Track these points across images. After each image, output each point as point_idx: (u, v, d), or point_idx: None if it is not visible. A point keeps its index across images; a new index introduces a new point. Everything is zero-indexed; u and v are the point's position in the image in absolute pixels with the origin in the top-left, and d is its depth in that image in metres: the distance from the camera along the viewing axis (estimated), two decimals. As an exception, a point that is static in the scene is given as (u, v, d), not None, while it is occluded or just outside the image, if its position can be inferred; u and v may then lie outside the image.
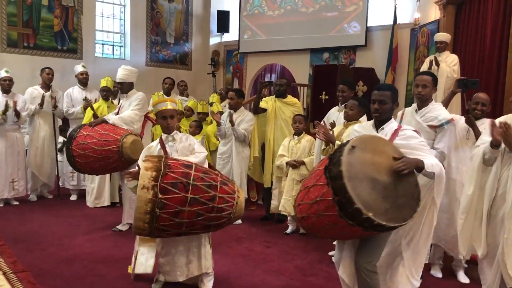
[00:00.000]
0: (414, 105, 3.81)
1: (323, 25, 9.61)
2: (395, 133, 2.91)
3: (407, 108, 3.91)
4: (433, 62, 6.15)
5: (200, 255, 3.48)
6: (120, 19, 10.73)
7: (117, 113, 5.26)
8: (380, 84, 2.92)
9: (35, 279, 3.69)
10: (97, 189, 6.13)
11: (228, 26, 11.42)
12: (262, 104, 5.74)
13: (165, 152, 3.47)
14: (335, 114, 4.96)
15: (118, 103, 6.32)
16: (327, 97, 7.83)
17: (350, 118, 4.38)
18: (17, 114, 5.86)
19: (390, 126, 2.97)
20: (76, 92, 6.61)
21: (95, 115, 5.96)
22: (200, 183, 3.05)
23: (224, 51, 11.76)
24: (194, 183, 3.02)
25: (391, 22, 8.42)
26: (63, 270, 3.92)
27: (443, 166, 3.31)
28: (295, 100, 5.86)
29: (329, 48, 9.59)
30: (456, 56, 6.37)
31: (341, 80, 5.17)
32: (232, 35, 11.50)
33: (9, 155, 5.96)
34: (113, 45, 10.70)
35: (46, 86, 6.47)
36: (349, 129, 4.08)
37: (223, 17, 11.41)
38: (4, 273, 3.81)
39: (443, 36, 6.46)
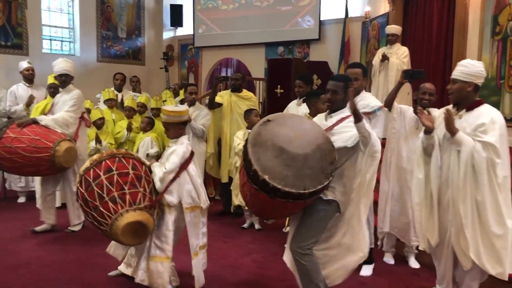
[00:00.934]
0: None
1: (278, 19, 9.62)
2: (341, 120, 3.00)
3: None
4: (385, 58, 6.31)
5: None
6: (68, 13, 10.33)
7: (51, 110, 4.97)
8: (337, 74, 2.98)
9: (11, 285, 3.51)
10: (47, 190, 5.89)
11: (182, 20, 11.24)
12: (218, 99, 5.69)
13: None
14: (294, 108, 4.98)
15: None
16: (282, 90, 7.85)
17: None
18: None
19: (340, 115, 3.05)
20: (21, 90, 6.32)
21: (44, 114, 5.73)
22: (97, 189, 3.19)
23: (179, 46, 11.57)
24: (92, 187, 3.20)
25: (343, 16, 8.53)
26: (8, 277, 3.73)
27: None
28: (251, 94, 5.84)
29: (284, 42, 9.62)
30: (406, 48, 6.53)
31: (298, 76, 5.18)
32: (186, 29, 11.32)
33: None
34: (62, 41, 10.30)
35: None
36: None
37: (176, 11, 11.21)
38: None
39: (394, 29, 6.61)
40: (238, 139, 5.21)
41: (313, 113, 4.29)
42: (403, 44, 7.16)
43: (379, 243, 4.34)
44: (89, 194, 3.20)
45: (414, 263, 4.20)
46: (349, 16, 8.48)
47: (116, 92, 6.92)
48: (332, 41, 8.98)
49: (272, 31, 9.71)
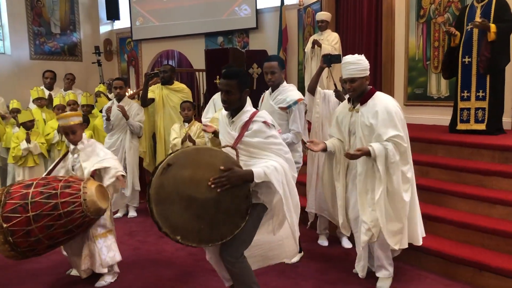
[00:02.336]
0: (270, 89, 3.88)
1: (215, 8, 9.55)
2: (245, 126, 2.70)
3: (266, 92, 3.96)
4: (315, 45, 6.39)
5: (90, 253, 3.49)
6: (-5, 9, 9.84)
7: None
8: (227, 70, 2.76)
9: None
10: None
11: (118, 13, 10.95)
12: (149, 94, 5.59)
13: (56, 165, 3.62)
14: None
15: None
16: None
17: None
18: None
19: (241, 118, 2.74)
20: None
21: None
22: (38, 198, 3.07)
23: (117, 39, 11.28)
24: (32, 201, 3.04)
25: (279, 4, 8.58)
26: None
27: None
28: (183, 86, 5.78)
29: (223, 32, 9.57)
30: (336, 34, 6.65)
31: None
32: (123, 22, 11.06)
33: None
34: (-10, 39, 9.81)
35: None
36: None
37: (112, 3, 10.92)
38: None
39: (323, 15, 6.70)
40: (175, 132, 5.16)
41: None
42: (336, 30, 7.29)
43: (309, 224, 4.45)
44: (35, 209, 3.02)
45: (347, 243, 4.32)
46: (285, 4, 8.53)
47: (46, 90, 6.67)
48: (269, 29, 9.02)
49: (211, 21, 9.63)
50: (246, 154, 2.68)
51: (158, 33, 10.40)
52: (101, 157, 3.51)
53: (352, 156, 3.12)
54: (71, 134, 3.48)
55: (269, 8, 9.00)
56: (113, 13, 10.91)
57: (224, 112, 2.86)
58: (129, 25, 10.76)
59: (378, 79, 6.90)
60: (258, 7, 9.08)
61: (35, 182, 3.17)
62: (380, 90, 6.76)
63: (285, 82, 3.84)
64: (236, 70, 2.77)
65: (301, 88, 8.04)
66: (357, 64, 3.20)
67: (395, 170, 3.15)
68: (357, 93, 3.24)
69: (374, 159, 3.13)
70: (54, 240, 3.13)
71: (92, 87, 8.95)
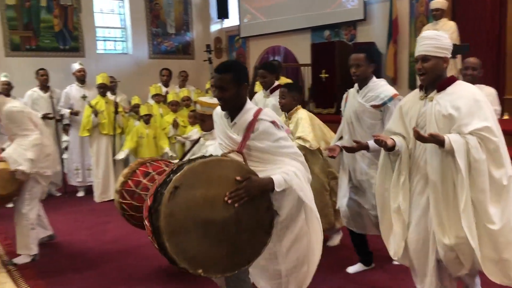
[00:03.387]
0: (356, 85, 3.53)
1: (321, 2, 9.42)
2: (250, 127, 2.34)
3: (350, 90, 3.61)
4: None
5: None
6: (119, 14, 10.77)
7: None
8: (220, 64, 2.43)
9: (37, 275, 3.81)
10: (102, 183, 6.26)
11: (228, 11, 11.33)
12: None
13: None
14: (262, 101, 4.72)
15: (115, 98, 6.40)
16: (327, 75, 7.77)
17: (287, 107, 4.00)
18: None
19: (244, 118, 2.38)
20: (74, 90, 6.69)
21: (95, 112, 6.07)
22: (143, 192, 3.33)
23: (226, 37, 11.70)
24: (138, 193, 3.36)
25: (389, -7, 8.21)
26: (64, 266, 4.03)
27: None
28: (288, 81, 5.82)
29: (330, 25, 9.41)
30: (453, 23, 6.19)
31: (260, 64, 4.93)
32: (232, 21, 11.41)
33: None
34: (115, 40, 10.76)
35: (44, 87, 6.58)
36: (295, 119, 3.95)
37: (222, 3, 11.31)
38: (8, 271, 3.94)
39: (439, 3, 6.29)
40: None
41: (284, 108, 3.99)
42: (453, 18, 6.79)
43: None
44: (137, 200, 3.36)
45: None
46: (396, -7, 8.14)
47: (163, 87, 7.16)
48: (378, 20, 8.67)
49: (316, 15, 9.54)
50: (256, 160, 2.35)
51: (265, 30, 10.57)
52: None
53: (420, 137, 2.47)
54: (201, 121, 3.67)
55: (378, -2, 8.66)
56: (223, 12, 11.32)
57: (220, 112, 2.51)
58: (238, 23, 11.09)
59: (502, 71, 6.28)
60: (366, -2, 8.79)
61: (151, 172, 3.47)
62: (504, 84, 6.23)
63: (374, 77, 3.46)
64: (231, 62, 2.46)
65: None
66: (435, 39, 2.56)
67: (479, 173, 2.43)
68: (429, 77, 2.59)
69: (452, 154, 2.45)
70: None
71: (203, 84, 9.39)
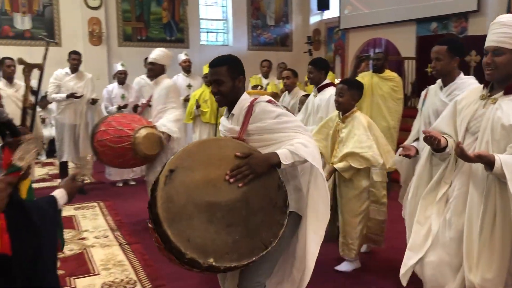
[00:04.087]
0: (439, 82, 3.18)
1: (430, -8, 8.95)
2: (248, 112, 2.23)
3: (430, 86, 3.26)
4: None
5: None
6: (222, 6, 11.11)
7: (148, 102, 5.17)
8: (214, 59, 2.31)
9: (144, 250, 4.09)
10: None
11: (328, 2, 11.19)
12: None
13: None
14: (311, 100, 4.44)
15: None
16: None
17: (343, 107, 3.47)
18: (135, 109, 6.37)
19: (239, 107, 2.27)
20: (181, 79, 7.05)
21: (197, 104, 6.34)
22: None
23: (325, 29, 11.57)
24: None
25: (508, -18, 7.56)
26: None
27: None
28: (394, 74, 5.61)
29: (437, 17, 8.90)
30: None
31: (310, 60, 4.53)
32: (332, 12, 11.25)
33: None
34: (217, 32, 11.14)
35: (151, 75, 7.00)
36: (350, 125, 3.41)
37: (323, -6, 11.22)
38: (120, 244, 4.29)
39: None
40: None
41: (340, 107, 3.48)
42: None
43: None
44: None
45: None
46: (516, -19, 7.48)
47: (263, 78, 7.28)
48: (494, 12, 8.00)
49: (423, 6, 9.06)
50: (260, 145, 2.19)
51: (366, 21, 10.28)
52: None
53: (464, 156, 2.02)
54: None
55: (495, -13, 8.00)
56: (323, 3, 11.20)
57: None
58: (338, 14, 10.90)
59: None
60: (481, -12, 8.17)
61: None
62: None
63: (462, 74, 3.11)
64: (225, 56, 2.32)
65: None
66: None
67: None
68: (499, 74, 2.11)
69: (501, 180, 1.99)
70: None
71: (301, 76, 9.39)
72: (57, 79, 5.96)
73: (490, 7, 8.13)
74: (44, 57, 4.20)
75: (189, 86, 6.89)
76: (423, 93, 3.31)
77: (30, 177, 2.06)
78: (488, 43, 2.15)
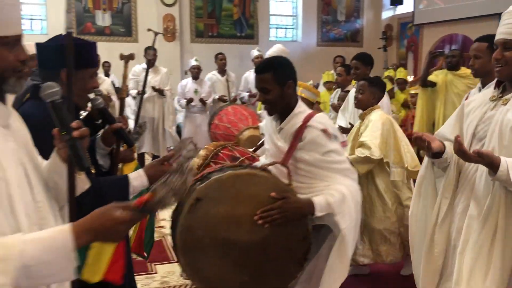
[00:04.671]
0: (479, 84, 2.88)
1: (515, -16, 8.39)
2: (297, 134, 2.01)
3: (472, 90, 2.93)
4: None
5: None
6: (292, 1, 11.10)
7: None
8: (260, 64, 2.12)
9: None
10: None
11: (402, -3, 10.84)
12: (432, 78, 5.37)
13: None
14: (352, 98, 4.16)
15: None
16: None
17: (363, 104, 3.34)
18: (203, 103, 6.60)
19: (291, 123, 2.05)
20: (253, 76, 7.09)
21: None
22: None
23: (398, 24, 11.21)
24: None
25: None
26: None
27: None
28: (469, 71, 5.32)
29: (522, 11, 8.34)
30: None
31: (355, 55, 4.27)
32: (406, 7, 10.88)
33: (197, 134, 6.81)
34: (286, 28, 11.15)
35: (222, 71, 7.17)
36: (367, 121, 3.24)
37: (397, -12, 10.88)
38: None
39: None
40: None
41: (359, 104, 3.33)
42: None
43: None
44: None
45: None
46: None
47: (335, 74, 7.20)
48: None
49: None
50: (302, 174, 2.01)
51: (442, 16, 9.83)
52: None
53: (462, 152, 1.75)
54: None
55: None
56: (396, -2, 10.88)
57: (268, 118, 2.22)
58: (412, 9, 10.52)
59: None
60: None
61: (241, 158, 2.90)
62: None
63: None
64: (271, 60, 2.11)
65: None
66: None
67: None
68: (509, 71, 1.84)
69: (506, 187, 1.75)
70: None
71: (373, 73, 9.19)
72: (135, 74, 6.30)
73: None
74: (152, 47, 4.46)
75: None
76: (466, 95, 3.00)
77: (135, 160, 2.11)
78: (498, 36, 1.86)
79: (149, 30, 4.59)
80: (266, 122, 2.28)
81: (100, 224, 1.11)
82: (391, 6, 11.21)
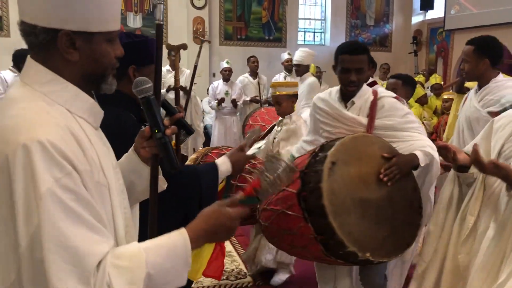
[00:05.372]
0: (476, 85, 2.87)
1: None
2: (373, 108, 2.21)
3: (471, 90, 2.94)
4: None
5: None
6: (321, 5, 11.06)
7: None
8: (350, 45, 2.33)
9: (249, 242, 4.21)
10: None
11: (433, 2, 10.70)
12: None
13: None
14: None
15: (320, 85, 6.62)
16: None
17: None
18: (234, 104, 6.64)
19: (364, 98, 2.24)
20: (282, 79, 7.13)
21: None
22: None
23: (428, 30, 11.08)
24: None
25: None
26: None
27: None
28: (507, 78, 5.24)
29: (559, 17, 8.18)
30: None
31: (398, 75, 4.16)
32: (436, 12, 10.74)
33: (227, 135, 6.83)
34: (314, 32, 11.11)
35: (253, 73, 7.19)
36: None
37: (427, -7, 10.75)
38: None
39: None
40: None
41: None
42: None
43: None
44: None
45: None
46: None
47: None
48: None
49: (544, 6, 8.36)
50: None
51: (475, 22, 9.66)
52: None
53: (478, 162, 1.72)
54: (276, 104, 3.28)
55: None
56: (427, 3, 10.74)
57: (326, 96, 2.36)
58: (443, 15, 10.38)
59: None
60: None
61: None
62: None
63: (500, 75, 2.75)
64: (360, 43, 2.28)
65: None
66: None
67: None
68: None
69: None
70: None
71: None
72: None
73: None
74: (198, 55, 4.28)
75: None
76: (465, 96, 3.06)
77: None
78: None
79: (196, 37, 4.64)
80: (324, 107, 2.32)
81: (213, 224, 1.10)
82: (421, 11, 11.09)
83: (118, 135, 1.34)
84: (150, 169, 1.31)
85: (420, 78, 7.32)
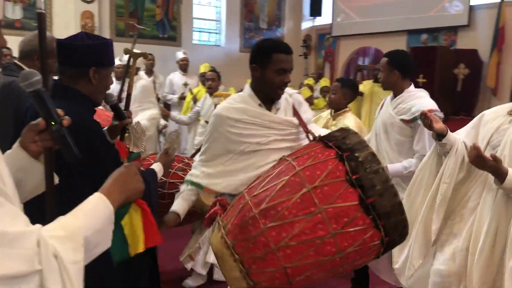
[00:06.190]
0: (392, 94, 3.15)
1: (423, 5, 9.17)
2: (294, 106, 2.26)
3: (387, 97, 3.16)
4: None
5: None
6: (216, 6, 11.12)
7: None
8: (282, 42, 2.25)
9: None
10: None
11: (321, 9, 11.34)
12: (360, 88, 5.72)
13: None
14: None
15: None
16: (425, 80, 7.54)
17: (334, 104, 3.53)
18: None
19: (283, 98, 2.19)
20: (177, 78, 7.04)
21: (194, 99, 6.35)
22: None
23: (316, 35, 11.71)
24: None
25: (498, 0, 7.82)
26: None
27: None
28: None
29: (428, 29, 9.14)
30: None
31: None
32: (324, 19, 11.40)
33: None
34: (209, 32, 11.13)
35: (149, 71, 6.98)
36: (340, 122, 3.36)
37: (316, 0, 11.34)
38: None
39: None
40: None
41: (332, 104, 3.57)
42: None
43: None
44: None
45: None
46: (506, 0, 7.74)
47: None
48: (483, 27, 8.29)
49: (416, 18, 9.29)
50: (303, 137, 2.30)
51: (358, 30, 10.46)
52: None
53: (478, 158, 1.96)
54: None
55: (485, 4, 8.27)
56: (316, 10, 11.34)
57: (241, 105, 2.11)
58: (330, 22, 11.05)
59: None
60: (471, 3, 8.43)
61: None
62: None
63: (412, 86, 3.00)
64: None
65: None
66: None
67: None
68: None
69: (509, 192, 1.97)
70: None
71: (292, 79, 9.49)
72: None
73: (480, 22, 8.40)
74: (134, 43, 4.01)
75: (185, 84, 6.88)
76: (381, 102, 3.25)
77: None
78: None
79: (132, 23, 4.42)
80: (230, 124, 2.08)
81: (124, 181, 1.20)
82: (311, 17, 11.68)
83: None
84: (44, 164, 1.26)
85: (310, 80, 7.70)
